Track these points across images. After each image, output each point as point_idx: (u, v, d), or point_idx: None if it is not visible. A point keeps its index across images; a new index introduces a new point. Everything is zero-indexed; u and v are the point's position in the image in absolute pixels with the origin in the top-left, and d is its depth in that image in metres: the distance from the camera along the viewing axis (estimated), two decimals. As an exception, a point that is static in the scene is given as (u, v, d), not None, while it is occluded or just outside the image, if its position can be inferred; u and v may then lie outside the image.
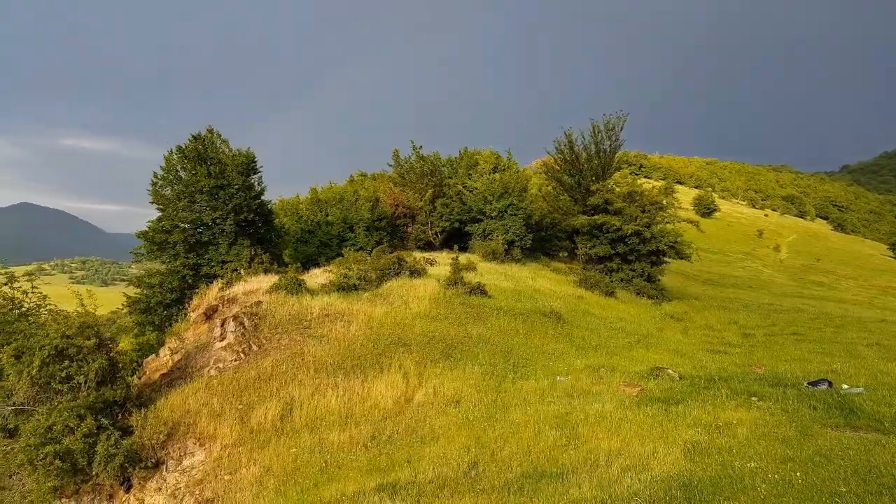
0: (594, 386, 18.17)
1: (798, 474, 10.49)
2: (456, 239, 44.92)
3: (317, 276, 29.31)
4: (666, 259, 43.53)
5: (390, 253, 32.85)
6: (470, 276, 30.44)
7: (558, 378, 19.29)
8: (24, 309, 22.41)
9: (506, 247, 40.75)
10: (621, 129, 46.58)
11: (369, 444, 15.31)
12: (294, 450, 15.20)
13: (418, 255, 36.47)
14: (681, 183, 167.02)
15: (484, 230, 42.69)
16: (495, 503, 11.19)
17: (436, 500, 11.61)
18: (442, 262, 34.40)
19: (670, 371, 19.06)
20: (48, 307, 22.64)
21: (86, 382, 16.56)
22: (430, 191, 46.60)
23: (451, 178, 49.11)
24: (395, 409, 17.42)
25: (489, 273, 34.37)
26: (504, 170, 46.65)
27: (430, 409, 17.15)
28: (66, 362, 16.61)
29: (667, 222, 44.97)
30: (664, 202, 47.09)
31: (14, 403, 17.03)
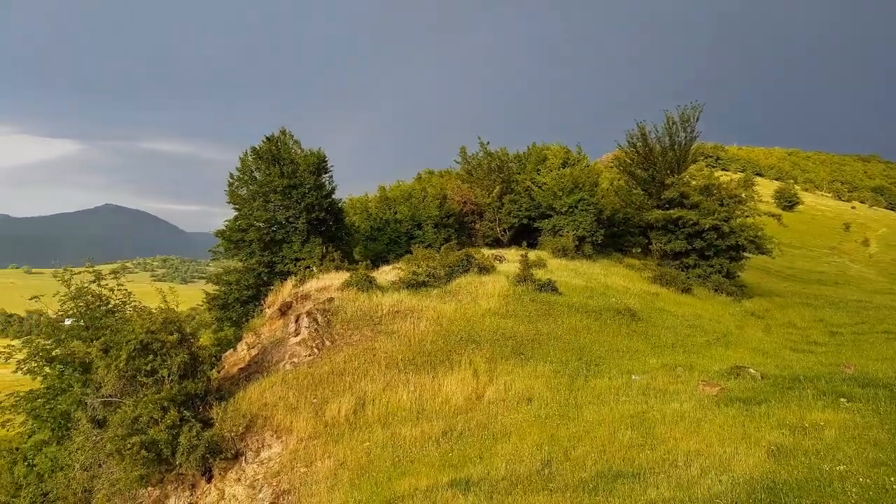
0: (671, 385, 17.69)
1: (892, 479, 9.87)
2: (524, 235, 44.49)
3: (386, 273, 29.62)
4: (746, 254, 41.90)
5: (458, 250, 32.86)
6: (540, 273, 30.12)
7: (633, 377, 18.83)
8: (110, 305, 23.40)
9: (576, 243, 40.06)
10: (697, 119, 45.03)
11: (441, 439, 15.34)
12: (367, 444, 15.39)
13: (487, 251, 36.35)
14: (760, 175, 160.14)
15: (553, 226, 42.09)
16: (570, 502, 11.01)
17: (509, 498, 11.52)
18: (510, 259, 34.18)
19: (752, 370, 18.31)
20: (133, 304, 23.62)
21: (169, 376, 17.22)
22: (497, 187, 46.31)
23: (519, 173, 48.59)
24: (465, 405, 17.40)
25: (559, 270, 33.91)
26: (574, 164, 45.75)
27: (502, 406, 17.06)
28: (151, 356, 17.31)
29: (746, 216, 43.19)
30: (743, 195, 45.24)
31: (103, 395, 17.89)
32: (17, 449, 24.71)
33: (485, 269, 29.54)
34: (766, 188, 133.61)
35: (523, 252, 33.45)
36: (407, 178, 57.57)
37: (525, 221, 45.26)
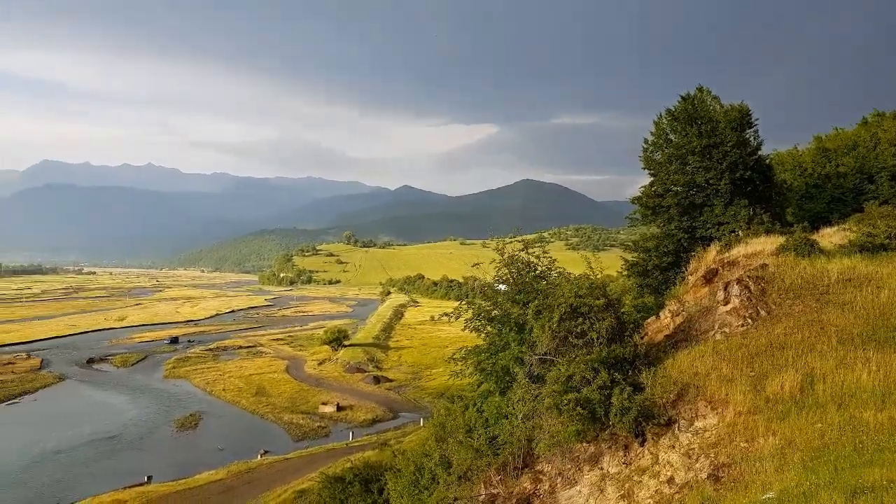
0: None
1: None
2: None
3: (830, 236, 26.06)
4: None
5: (931, 204, 26.82)
6: None
7: None
8: (538, 271, 25.28)
9: None
10: None
11: (918, 430, 12.61)
12: (819, 425, 13.54)
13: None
14: None
15: None
16: None
17: None
18: None
19: None
20: (557, 270, 25.19)
21: (597, 339, 17.82)
22: None
23: None
24: (953, 393, 14.01)
25: None
26: None
27: None
28: (580, 319, 18.15)
29: None
30: None
31: (538, 354, 19.46)
32: (468, 397, 28.90)
33: (973, 227, 23.51)
34: None
35: None
36: (848, 125, 49.27)
37: None
